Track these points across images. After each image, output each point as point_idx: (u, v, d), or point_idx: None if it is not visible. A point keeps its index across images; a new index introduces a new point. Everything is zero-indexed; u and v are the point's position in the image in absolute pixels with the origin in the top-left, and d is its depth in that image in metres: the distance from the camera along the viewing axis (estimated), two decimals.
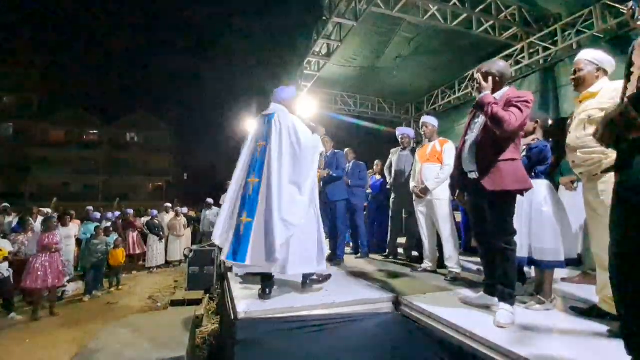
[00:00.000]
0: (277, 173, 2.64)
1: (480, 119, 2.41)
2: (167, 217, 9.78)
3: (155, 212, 9.71)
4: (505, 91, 2.37)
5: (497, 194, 2.23)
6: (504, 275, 2.29)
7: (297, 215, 2.65)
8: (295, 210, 2.64)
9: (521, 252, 2.52)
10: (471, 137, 2.44)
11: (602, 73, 2.27)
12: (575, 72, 2.35)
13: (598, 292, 2.27)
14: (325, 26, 5.98)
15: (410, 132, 4.79)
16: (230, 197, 2.83)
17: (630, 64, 1.32)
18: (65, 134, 29.63)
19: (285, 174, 2.68)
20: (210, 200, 9.74)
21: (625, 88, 1.34)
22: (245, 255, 2.53)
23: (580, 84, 2.33)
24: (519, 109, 2.17)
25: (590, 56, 2.31)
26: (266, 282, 2.75)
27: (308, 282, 2.92)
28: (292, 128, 2.73)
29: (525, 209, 2.59)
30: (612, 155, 1.42)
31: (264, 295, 2.70)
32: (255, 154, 2.81)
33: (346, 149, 5.13)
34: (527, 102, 2.20)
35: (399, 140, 4.73)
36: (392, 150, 4.95)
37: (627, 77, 1.31)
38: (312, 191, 2.82)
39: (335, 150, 4.75)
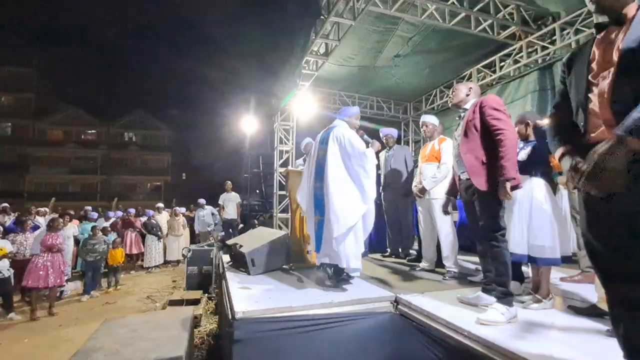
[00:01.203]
0: (333, 177, 3.06)
1: (462, 124, 2.52)
2: (159, 217, 9.70)
3: (151, 212, 9.66)
4: (474, 101, 2.53)
5: (483, 193, 2.31)
6: (496, 274, 2.32)
7: (352, 214, 3.00)
8: (350, 210, 3.01)
9: (521, 249, 2.54)
10: (456, 141, 2.57)
11: None
12: None
13: (597, 289, 2.28)
14: (323, 25, 5.96)
15: (393, 132, 4.84)
16: (307, 201, 3.34)
17: (590, 61, 1.35)
18: (63, 133, 29.58)
19: (340, 178, 3.06)
20: (202, 201, 9.66)
21: (586, 96, 1.35)
22: (319, 247, 3.11)
23: None
24: (499, 119, 2.32)
25: None
26: (337, 274, 3.12)
27: (337, 280, 3.11)
28: (345, 138, 3.11)
29: (525, 207, 2.60)
30: None
31: (331, 282, 3.10)
32: (318, 160, 3.23)
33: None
34: (499, 110, 2.35)
35: (383, 141, 4.76)
36: (379, 154, 4.98)
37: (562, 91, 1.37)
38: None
39: None
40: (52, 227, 5.39)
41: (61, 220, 5.86)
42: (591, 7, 1.36)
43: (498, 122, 2.31)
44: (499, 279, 2.29)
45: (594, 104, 1.31)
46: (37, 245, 5.23)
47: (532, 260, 2.55)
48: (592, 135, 1.33)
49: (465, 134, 2.44)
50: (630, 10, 1.27)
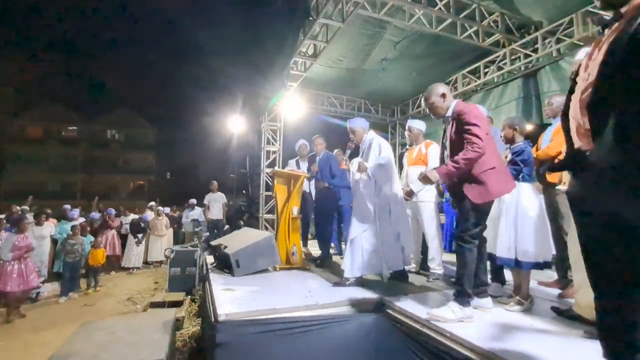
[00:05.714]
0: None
1: (447, 133, 2.51)
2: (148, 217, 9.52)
3: (148, 216, 9.44)
4: (454, 105, 2.50)
5: (464, 200, 2.32)
6: (457, 273, 2.36)
7: None
8: None
9: (508, 253, 2.57)
10: (446, 145, 2.55)
11: None
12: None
13: (575, 294, 2.33)
14: (312, 26, 5.96)
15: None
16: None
17: (576, 74, 1.32)
18: (43, 130, 28.68)
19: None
20: (192, 201, 9.55)
21: (568, 99, 1.34)
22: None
23: None
24: (475, 125, 2.27)
25: None
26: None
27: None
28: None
29: (512, 213, 2.63)
30: None
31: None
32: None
33: (336, 150, 5.16)
34: (476, 117, 2.30)
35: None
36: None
37: (571, 88, 1.33)
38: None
39: (328, 153, 4.80)
40: (18, 229, 5.27)
41: (26, 220, 5.67)
42: (597, 2, 1.25)
43: (472, 136, 2.25)
44: (458, 279, 2.34)
45: (574, 107, 1.27)
46: (5, 250, 5.06)
47: (517, 264, 2.58)
48: (573, 141, 1.31)
49: (450, 145, 2.46)
50: (629, 6, 1.13)
